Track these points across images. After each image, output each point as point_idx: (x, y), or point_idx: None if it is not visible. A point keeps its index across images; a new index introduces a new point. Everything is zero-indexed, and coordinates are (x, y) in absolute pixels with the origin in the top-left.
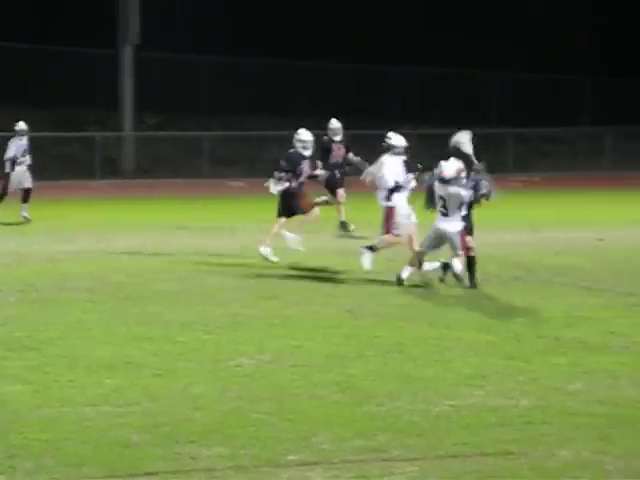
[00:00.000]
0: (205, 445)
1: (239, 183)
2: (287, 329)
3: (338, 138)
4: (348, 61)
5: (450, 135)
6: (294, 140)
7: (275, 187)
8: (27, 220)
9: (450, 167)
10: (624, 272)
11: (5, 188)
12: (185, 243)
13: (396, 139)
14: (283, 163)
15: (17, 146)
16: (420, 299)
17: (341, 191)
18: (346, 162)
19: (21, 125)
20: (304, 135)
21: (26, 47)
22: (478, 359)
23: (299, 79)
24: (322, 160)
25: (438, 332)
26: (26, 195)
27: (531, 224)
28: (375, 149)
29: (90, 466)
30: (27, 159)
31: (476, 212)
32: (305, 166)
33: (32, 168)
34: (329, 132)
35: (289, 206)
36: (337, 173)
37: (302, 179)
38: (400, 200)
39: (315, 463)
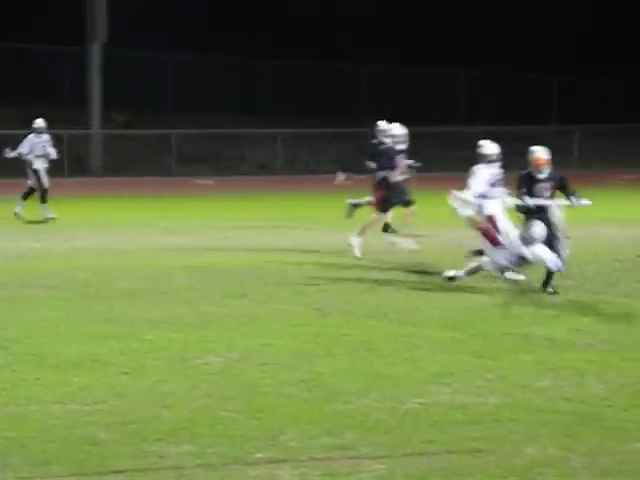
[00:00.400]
0: (173, 443)
1: (207, 181)
2: (255, 327)
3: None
4: (317, 59)
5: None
6: (384, 135)
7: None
8: (52, 219)
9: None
10: (591, 270)
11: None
12: (153, 241)
13: (488, 147)
14: (377, 159)
15: (32, 144)
16: (389, 297)
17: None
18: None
19: (38, 122)
20: (397, 130)
21: None
22: (446, 357)
23: (267, 77)
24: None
25: (407, 330)
26: (44, 194)
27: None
28: (343, 147)
29: (57, 464)
30: (49, 154)
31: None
32: (400, 160)
33: (52, 163)
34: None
35: (388, 199)
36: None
37: (399, 172)
38: (495, 209)
39: (283, 461)
